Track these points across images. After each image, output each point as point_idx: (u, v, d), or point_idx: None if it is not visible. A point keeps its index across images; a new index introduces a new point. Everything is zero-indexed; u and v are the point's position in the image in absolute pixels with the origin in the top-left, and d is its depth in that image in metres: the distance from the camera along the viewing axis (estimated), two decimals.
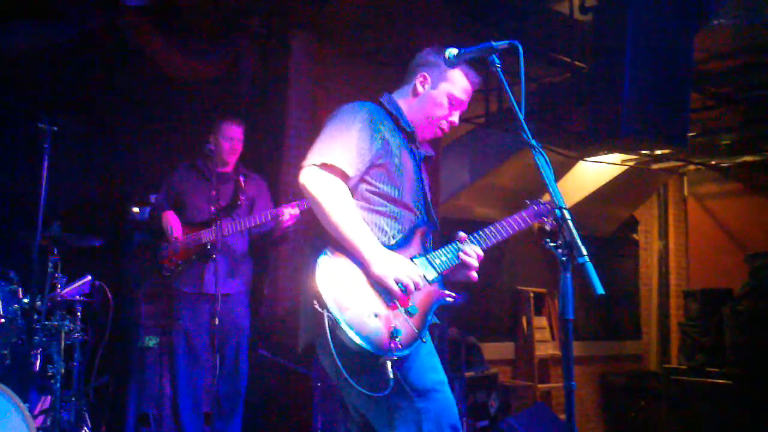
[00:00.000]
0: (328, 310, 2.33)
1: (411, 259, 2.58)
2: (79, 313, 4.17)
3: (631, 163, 8.36)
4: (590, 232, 8.69)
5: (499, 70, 2.46)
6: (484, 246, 2.77)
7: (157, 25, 5.58)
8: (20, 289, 3.83)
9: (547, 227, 2.88)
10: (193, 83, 5.89)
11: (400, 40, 6.64)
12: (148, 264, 4.80)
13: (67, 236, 4.10)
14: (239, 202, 4.68)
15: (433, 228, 2.74)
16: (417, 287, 2.49)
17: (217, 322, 4.24)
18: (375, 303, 2.42)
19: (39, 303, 3.82)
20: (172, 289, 4.78)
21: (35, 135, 3.88)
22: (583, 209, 8.07)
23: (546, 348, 8.22)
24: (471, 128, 7.19)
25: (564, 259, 2.09)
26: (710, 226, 9.63)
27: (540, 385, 7.90)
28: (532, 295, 8.27)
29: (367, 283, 2.44)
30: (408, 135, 2.76)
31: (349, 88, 6.91)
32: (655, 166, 8.89)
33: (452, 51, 2.60)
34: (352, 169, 2.52)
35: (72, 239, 4.17)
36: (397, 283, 2.45)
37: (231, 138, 4.90)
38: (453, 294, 2.65)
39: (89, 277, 4.30)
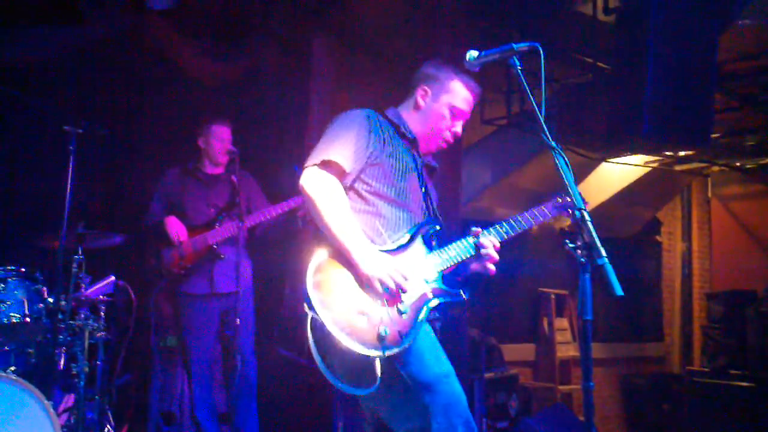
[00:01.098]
0: (314, 312, 2.37)
1: (411, 257, 2.61)
2: (102, 313, 4.22)
3: (655, 165, 8.31)
4: (613, 233, 8.65)
5: (519, 72, 2.47)
6: (503, 237, 2.79)
7: (179, 29, 5.63)
8: (45, 289, 3.87)
9: (570, 221, 2.84)
10: (215, 85, 5.93)
11: (421, 41, 6.65)
12: (153, 271, 4.84)
13: (91, 234, 4.15)
14: (237, 201, 4.72)
15: (438, 227, 2.75)
16: (403, 290, 2.50)
17: (238, 322, 4.30)
18: (363, 302, 2.46)
19: (63, 302, 3.87)
20: (179, 292, 4.81)
21: (60, 138, 3.92)
22: (606, 210, 8.03)
23: (567, 349, 8.19)
24: (493, 130, 7.19)
25: (583, 260, 2.09)
26: (734, 227, 9.55)
27: (561, 387, 7.87)
28: (553, 296, 8.24)
29: (356, 283, 2.49)
30: (410, 141, 2.82)
31: (370, 90, 6.92)
32: (678, 168, 8.82)
33: (473, 53, 2.61)
34: (349, 165, 2.58)
35: (95, 237, 4.22)
36: (384, 285, 2.47)
37: (222, 139, 4.95)
38: (454, 293, 2.66)
39: (113, 278, 4.35)
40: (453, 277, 2.74)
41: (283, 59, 6.30)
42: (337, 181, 2.58)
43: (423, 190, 2.80)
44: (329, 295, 2.44)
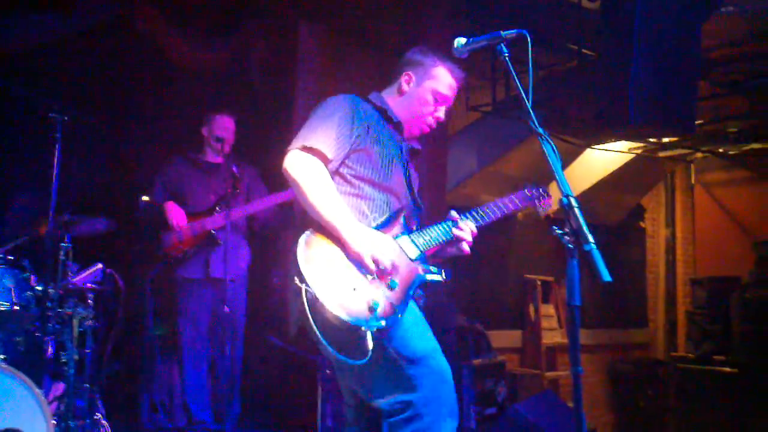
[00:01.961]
0: (307, 285, 2.41)
1: (394, 238, 2.67)
2: (90, 301, 4.21)
3: (639, 151, 8.36)
4: (597, 220, 8.70)
5: (507, 59, 2.48)
6: (479, 223, 2.85)
7: (165, 16, 5.61)
8: (33, 277, 3.86)
9: (540, 211, 2.99)
10: (202, 73, 5.92)
11: (408, 28, 6.65)
12: (151, 254, 4.87)
13: (77, 220, 4.15)
14: (237, 191, 4.74)
15: (419, 211, 2.82)
16: (393, 265, 2.55)
17: (227, 309, 4.32)
18: (354, 278, 2.50)
19: (52, 290, 3.86)
20: (175, 276, 4.86)
21: (46, 125, 3.91)
22: (590, 197, 8.07)
23: (553, 336, 8.24)
24: (478, 116, 7.20)
25: (571, 246, 2.11)
26: (718, 213, 9.62)
27: (547, 373, 7.93)
28: (539, 283, 8.29)
29: (346, 260, 2.53)
30: (395, 125, 2.86)
31: (357, 77, 6.92)
32: (662, 154, 8.88)
33: (461, 40, 2.62)
34: (332, 152, 2.61)
35: (81, 222, 4.21)
36: (374, 260, 2.52)
37: (225, 128, 4.98)
38: (436, 271, 2.72)
39: (100, 265, 4.34)
40: (432, 258, 2.81)
41: (271, 46, 6.29)
42: (321, 163, 2.61)
43: (406, 173, 2.84)
44: (321, 270, 2.47)
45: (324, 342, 2.41)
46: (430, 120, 2.90)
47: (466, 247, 2.81)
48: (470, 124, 7.46)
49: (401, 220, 2.72)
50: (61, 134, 3.87)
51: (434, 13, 6.21)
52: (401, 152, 2.84)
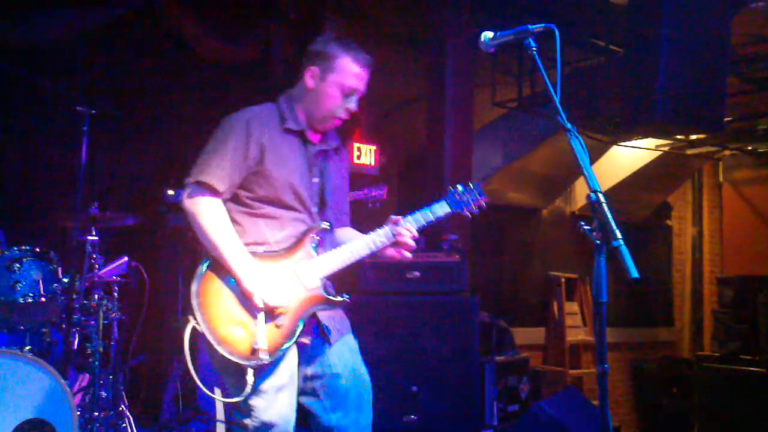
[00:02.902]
0: (197, 323, 2.52)
1: (294, 264, 2.65)
2: (116, 294, 4.24)
3: (666, 149, 8.28)
4: (623, 217, 8.63)
5: (535, 53, 2.45)
6: (420, 225, 2.78)
7: (191, 10, 5.63)
8: (60, 269, 3.89)
9: (467, 213, 2.87)
10: (227, 67, 5.94)
11: (431, 23, 6.63)
12: (184, 246, 4.87)
13: (104, 214, 4.18)
14: None
15: (325, 226, 2.75)
16: (281, 303, 2.58)
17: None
18: (243, 315, 2.55)
19: (78, 283, 3.89)
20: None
21: (74, 119, 3.94)
22: (615, 195, 8.02)
23: (577, 333, 8.20)
24: (503, 112, 7.17)
25: (598, 242, 2.09)
26: (745, 212, 9.51)
27: (571, 371, 7.89)
28: (563, 280, 8.25)
29: (238, 296, 2.57)
30: (298, 134, 2.77)
31: (380, 74, 6.91)
32: (689, 152, 8.79)
33: (488, 34, 2.59)
34: (224, 185, 2.60)
35: (108, 217, 4.24)
36: (262, 300, 2.55)
37: None
38: (334, 298, 2.72)
39: (126, 258, 4.37)
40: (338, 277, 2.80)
41: (295, 42, 6.29)
42: (217, 200, 2.62)
43: (317, 181, 2.78)
44: (211, 306, 2.55)
45: (196, 377, 2.57)
46: (340, 113, 2.78)
47: (406, 253, 2.77)
48: (495, 119, 7.43)
49: (308, 240, 2.69)
50: (88, 127, 3.89)
51: (458, 9, 6.18)
52: (307, 162, 2.77)
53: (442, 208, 2.83)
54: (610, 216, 2.09)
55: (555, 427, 3.91)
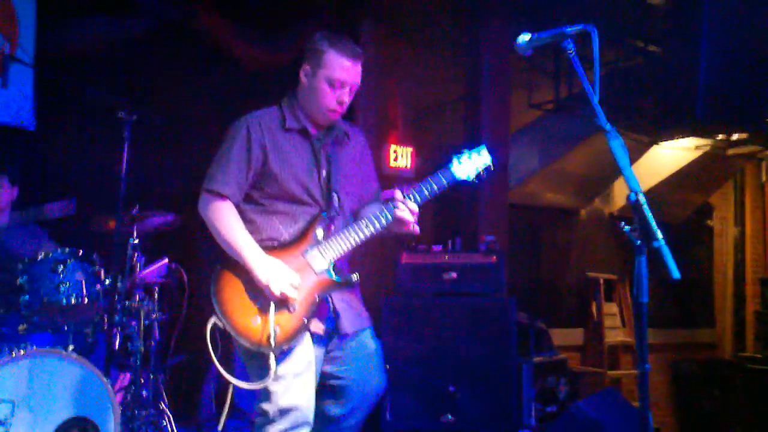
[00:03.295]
0: (218, 318, 2.72)
1: (303, 253, 2.80)
2: (156, 295, 4.31)
3: (707, 148, 8.16)
4: (663, 218, 8.51)
5: (573, 55, 2.44)
6: (417, 201, 2.86)
7: (228, 16, 5.70)
8: (102, 271, 3.96)
9: (474, 180, 2.96)
10: (263, 72, 5.99)
11: (467, 26, 6.63)
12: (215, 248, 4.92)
13: (144, 215, 4.24)
14: None
15: (333, 215, 2.89)
16: (293, 291, 2.73)
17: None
18: (258, 307, 2.74)
19: (120, 284, 3.95)
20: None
21: (115, 124, 4.00)
22: (655, 195, 7.92)
23: (616, 335, 8.12)
24: (540, 114, 7.14)
25: (638, 242, 2.08)
26: None
27: (610, 372, 7.82)
28: (602, 281, 8.18)
29: (253, 289, 2.74)
30: (300, 131, 2.92)
31: (417, 76, 6.93)
32: (731, 152, 8.65)
33: (524, 37, 2.58)
34: (231, 190, 2.81)
35: (148, 218, 4.31)
36: (273, 290, 2.71)
37: None
38: (344, 280, 2.84)
39: (166, 260, 4.43)
40: (347, 258, 2.93)
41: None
42: (226, 203, 2.81)
43: (324, 173, 2.92)
44: (228, 302, 2.75)
45: (223, 370, 2.77)
46: (334, 106, 2.89)
47: (412, 227, 2.87)
48: (532, 121, 7.40)
49: (315, 229, 2.84)
50: (130, 133, 3.95)
51: (494, 12, 6.18)
52: (313, 156, 2.92)
53: (446, 178, 2.92)
54: (650, 216, 2.08)
55: (594, 428, 3.88)
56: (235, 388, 4.85)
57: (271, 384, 2.72)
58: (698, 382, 8.52)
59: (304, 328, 2.77)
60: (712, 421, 8.36)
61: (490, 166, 2.99)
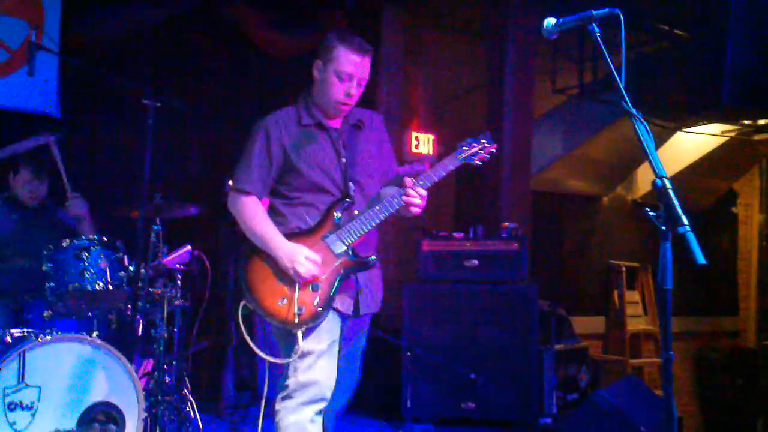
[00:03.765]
0: (247, 300, 2.95)
1: (322, 238, 3.00)
2: (179, 282, 4.32)
3: (732, 134, 8.06)
4: (687, 205, 8.41)
5: (599, 39, 2.41)
6: (426, 186, 3.04)
7: (251, 2, 5.69)
8: (126, 258, 3.98)
9: (477, 162, 3.15)
10: (286, 58, 5.99)
11: (491, 11, 6.58)
12: (233, 236, 4.95)
13: (167, 204, 4.26)
14: None
15: (350, 201, 3.07)
16: (315, 270, 2.93)
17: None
18: (284, 288, 2.95)
19: (143, 271, 3.97)
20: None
21: (139, 111, 4.01)
22: (679, 182, 7.78)
23: (638, 323, 8.08)
24: (564, 99, 7.09)
25: (664, 228, 2.06)
26: None
27: (631, 360, 7.79)
28: (624, 269, 8.13)
29: (278, 273, 2.96)
30: (315, 125, 3.11)
31: (439, 62, 6.90)
32: (757, 137, 8.54)
33: (550, 20, 2.56)
34: (255, 186, 3.05)
35: (171, 207, 4.32)
36: (296, 272, 2.92)
37: None
38: (362, 261, 3.03)
39: (189, 247, 4.44)
40: (365, 241, 3.09)
41: (354, 32, 6.30)
42: (251, 198, 3.04)
43: (344, 160, 3.10)
44: (256, 285, 2.96)
45: (256, 344, 3.00)
46: (343, 98, 3.06)
47: (417, 210, 3.04)
48: (555, 107, 7.35)
49: (334, 215, 3.03)
50: (153, 120, 3.96)
51: None
52: (330, 147, 3.10)
53: (452, 163, 3.11)
54: (676, 202, 2.06)
55: (617, 416, 3.86)
56: (261, 374, 4.91)
57: (295, 360, 2.90)
58: (721, 370, 8.47)
59: (328, 306, 2.95)
60: (735, 409, 8.30)
61: (493, 152, 3.20)
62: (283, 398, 2.95)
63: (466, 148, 3.14)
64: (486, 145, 3.16)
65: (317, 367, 2.94)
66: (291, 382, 2.93)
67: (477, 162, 3.15)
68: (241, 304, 2.96)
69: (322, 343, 2.96)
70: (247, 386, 5.11)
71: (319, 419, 2.96)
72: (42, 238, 4.19)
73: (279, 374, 3.06)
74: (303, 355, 2.91)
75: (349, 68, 3.02)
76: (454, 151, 3.15)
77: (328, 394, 2.96)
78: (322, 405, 2.95)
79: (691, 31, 5.64)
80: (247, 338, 2.97)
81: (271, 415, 3.07)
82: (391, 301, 5.76)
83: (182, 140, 5.58)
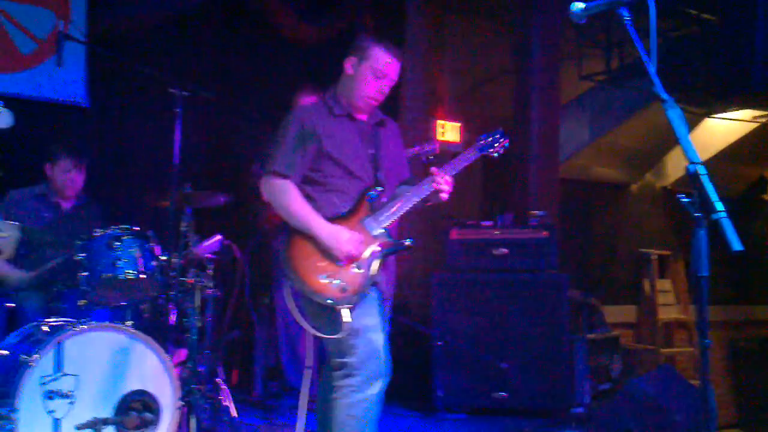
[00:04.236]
0: (291, 280, 3.05)
1: (359, 221, 3.15)
2: (210, 271, 4.35)
3: (763, 120, 7.96)
4: (716, 192, 8.34)
5: (628, 23, 2.39)
6: (452, 174, 3.25)
7: None
8: (157, 247, 4.00)
9: (495, 155, 3.44)
10: (311, 47, 5.99)
11: None
12: (251, 226, 4.98)
13: (197, 194, 4.28)
14: None
15: (380, 189, 3.22)
16: (357, 250, 3.06)
17: None
18: (327, 267, 3.06)
19: (175, 260, 4.00)
20: (273, 249, 4.93)
21: (167, 101, 4.03)
22: (709, 169, 7.73)
23: (670, 312, 8.02)
24: (591, 86, 7.03)
25: (698, 215, 2.04)
26: None
27: (663, 350, 7.73)
28: (655, 257, 8.06)
29: (321, 253, 3.07)
30: (347, 116, 3.27)
31: (465, 49, 6.87)
32: None
33: (579, 5, 2.54)
34: (292, 170, 3.15)
35: (201, 197, 4.35)
36: (339, 252, 3.04)
37: None
38: (399, 242, 3.17)
39: (219, 237, 4.47)
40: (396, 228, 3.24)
41: (378, 20, 6.30)
42: (287, 182, 3.14)
43: (370, 152, 3.26)
44: (300, 265, 3.06)
45: (306, 322, 3.10)
46: (375, 94, 3.24)
47: (444, 196, 3.23)
48: (582, 93, 7.29)
49: (367, 200, 3.19)
50: (181, 109, 3.98)
51: None
52: (359, 137, 3.26)
53: (473, 154, 3.38)
54: (710, 188, 2.03)
55: (651, 405, 3.83)
56: (286, 365, 4.95)
57: (351, 339, 2.99)
58: (756, 359, 8.37)
59: (370, 283, 3.07)
60: None
61: (506, 146, 3.46)
62: (346, 377, 3.02)
63: (483, 141, 3.43)
64: (500, 139, 3.44)
65: (374, 341, 3.04)
66: (351, 359, 3.00)
67: (494, 154, 3.44)
68: (287, 284, 3.08)
69: (374, 317, 3.08)
70: (276, 376, 5.13)
71: (380, 398, 3.05)
72: (75, 229, 4.24)
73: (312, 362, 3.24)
74: (355, 332, 3.00)
75: (384, 68, 3.22)
76: (474, 143, 3.43)
77: (388, 369, 3.06)
78: (385, 380, 3.05)
79: (720, 15, 5.56)
80: (298, 316, 3.08)
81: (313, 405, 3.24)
82: (420, 290, 5.79)
83: (210, 129, 5.60)
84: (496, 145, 3.44)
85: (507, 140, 3.46)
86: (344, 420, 3.01)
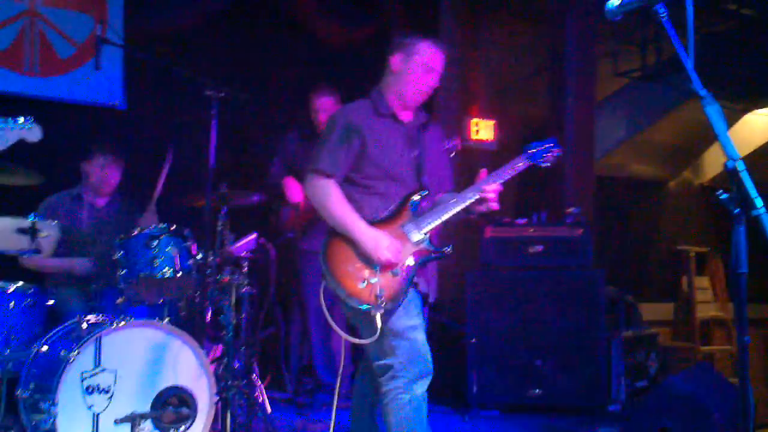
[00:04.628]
0: (327, 282, 3.05)
1: (400, 226, 3.12)
2: (245, 269, 4.39)
3: None
4: (756, 188, 8.22)
5: (665, 19, 2.37)
6: (502, 181, 3.20)
7: None
8: (194, 246, 4.06)
9: (544, 165, 3.34)
10: (345, 48, 6.02)
11: None
12: (274, 227, 5.02)
13: (233, 193, 4.32)
14: None
15: (423, 193, 3.19)
16: (395, 257, 3.03)
17: None
18: (365, 271, 3.04)
19: (211, 258, 4.05)
20: (298, 250, 4.96)
21: (203, 102, 4.07)
22: (747, 165, 7.64)
23: (708, 309, 7.91)
24: (627, 82, 6.97)
25: (737, 211, 2.01)
26: None
27: (702, 348, 7.63)
28: (693, 254, 7.95)
29: (359, 257, 3.05)
30: (391, 117, 3.24)
31: (499, 47, 6.84)
32: None
33: (614, 1, 2.52)
34: (335, 169, 3.13)
35: (237, 196, 4.39)
36: (378, 257, 3.02)
37: (324, 110, 4.95)
38: (439, 250, 3.14)
39: (255, 235, 4.51)
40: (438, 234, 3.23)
41: (411, 20, 6.30)
42: (330, 182, 3.12)
43: (414, 155, 3.23)
44: (338, 267, 3.05)
45: (338, 326, 3.12)
46: (425, 88, 3.24)
47: (493, 204, 3.19)
48: (618, 90, 7.23)
49: (409, 205, 3.16)
50: (217, 111, 4.02)
51: None
52: (403, 139, 3.24)
53: (522, 163, 3.29)
54: (749, 183, 2.01)
55: (689, 403, 3.79)
56: (316, 362, 4.99)
57: (394, 340, 3.01)
58: None
59: (406, 290, 3.05)
60: None
61: (558, 155, 3.38)
62: (392, 379, 3.03)
63: (533, 150, 3.32)
64: (552, 149, 3.35)
65: (417, 341, 3.04)
66: (395, 361, 3.01)
67: (544, 164, 3.34)
68: (322, 284, 3.10)
69: (414, 318, 3.07)
70: (309, 372, 5.17)
71: (426, 396, 3.06)
72: (112, 229, 4.32)
73: (342, 361, 3.33)
74: (398, 334, 3.01)
75: (434, 63, 3.22)
76: (522, 152, 3.33)
77: (432, 367, 3.06)
78: (429, 379, 3.06)
79: (760, 9, 5.48)
80: (330, 320, 3.09)
81: (343, 403, 3.26)
82: (454, 287, 5.78)
83: (245, 130, 5.65)
84: (547, 154, 3.35)
85: (560, 149, 3.38)
86: (399, 422, 3.02)
